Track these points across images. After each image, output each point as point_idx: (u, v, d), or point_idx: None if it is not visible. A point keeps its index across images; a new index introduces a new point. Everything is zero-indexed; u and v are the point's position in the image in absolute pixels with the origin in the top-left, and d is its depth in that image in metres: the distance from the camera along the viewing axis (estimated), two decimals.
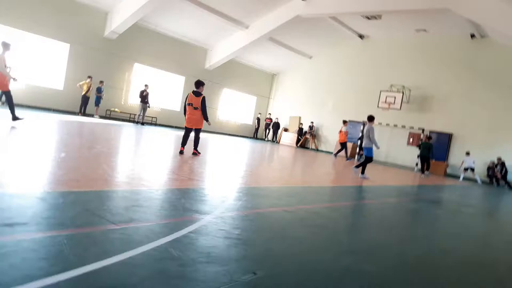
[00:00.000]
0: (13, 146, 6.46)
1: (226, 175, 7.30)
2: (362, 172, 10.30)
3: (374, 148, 10.31)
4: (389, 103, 20.64)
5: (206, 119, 9.24)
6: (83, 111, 17.50)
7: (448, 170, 19.62)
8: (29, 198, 3.50)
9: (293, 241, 3.60)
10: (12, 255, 2.27)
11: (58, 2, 16.93)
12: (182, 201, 4.38)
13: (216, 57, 23.04)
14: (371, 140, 10.19)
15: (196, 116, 9.14)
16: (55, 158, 5.87)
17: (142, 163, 6.94)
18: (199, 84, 9.20)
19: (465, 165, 17.65)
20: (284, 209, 4.87)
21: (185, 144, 9.27)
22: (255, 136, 27.08)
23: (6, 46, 9.15)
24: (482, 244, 4.97)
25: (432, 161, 18.66)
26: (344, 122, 19.51)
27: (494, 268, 3.87)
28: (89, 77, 17.50)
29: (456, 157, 19.56)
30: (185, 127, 9.36)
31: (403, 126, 20.82)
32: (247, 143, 19.39)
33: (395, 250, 3.88)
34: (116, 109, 19.48)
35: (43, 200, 3.52)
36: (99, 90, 18.00)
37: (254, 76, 26.80)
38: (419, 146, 17.28)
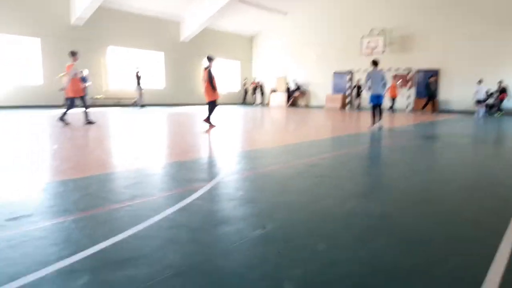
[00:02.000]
0: (6, 144, 6.37)
1: (222, 143, 7.30)
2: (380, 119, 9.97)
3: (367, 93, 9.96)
4: (372, 48, 20.46)
5: (214, 88, 9.32)
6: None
7: (441, 106, 19.76)
8: (30, 191, 3.49)
9: (297, 193, 3.64)
10: (22, 245, 2.28)
11: None
12: (182, 172, 4.39)
13: (190, 28, 22.43)
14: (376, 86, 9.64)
15: (206, 89, 9.38)
16: (48, 150, 5.81)
17: (136, 144, 6.90)
18: (208, 59, 9.46)
19: (478, 96, 16.11)
20: (283, 166, 4.90)
21: (208, 115, 9.50)
22: (244, 102, 26.89)
23: (74, 54, 9.82)
24: (481, 170, 5.07)
25: (419, 99, 18.94)
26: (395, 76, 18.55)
27: (495, 189, 3.96)
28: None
29: (446, 93, 19.64)
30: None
31: (389, 69, 20.72)
32: (237, 110, 19.26)
33: (398, 188, 3.95)
34: (100, 96, 19.15)
35: (44, 191, 3.51)
36: (83, 80, 17.60)
37: (232, 41, 26.26)
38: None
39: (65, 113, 9.77)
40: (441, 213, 3.04)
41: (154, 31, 21.41)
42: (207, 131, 8.91)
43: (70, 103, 9.89)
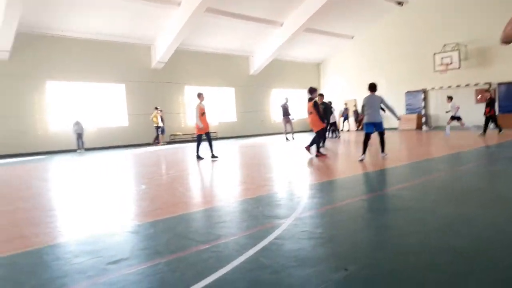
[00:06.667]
0: (103, 185, 7.05)
1: (296, 174, 7.36)
2: (383, 150, 9.01)
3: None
4: (446, 64, 19.49)
5: (322, 120, 9.81)
6: (160, 140, 18.64)
7: None
8: (125, 233, 3.84)
9: (377, 229, 3.57)
10: None
11: (106, 48, 18.18)
12: (260, 209, 4.52)
13: (258, 61, 23.29)
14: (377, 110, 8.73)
15: (311, 120, 9.86)
16: (137, 190, 6.32)
17: (216, 178, 7.23)
18: (311, 91, 9.86)
19: None
20: (361, 198, 4.83)
21: (317, 147, 9.96)
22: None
23: (200, 96, 10.56)
24: None
25: (503, 115, 17.36)
26: None
27: None
28: (156, 108, 18.60)
29: None
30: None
31: (467, 85, 19.51)
32: (308, 137, 19.25)
33: (485, 220, 3.69)
34: (179, 133, 20.43)
35: (137, 233, 3.83)
36: (160, 118, 19.08)
37: (299, 70, 26.65)
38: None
39: (198, 148, 10.63)
40: None
41: (225, 67, 22.58)
42: (321, 158, 9.49)
43: (208, 138, 10.61)
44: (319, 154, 9.79)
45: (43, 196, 6.37)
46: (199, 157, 10.60)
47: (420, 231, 3.42)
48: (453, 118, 14.95)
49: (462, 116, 14.99)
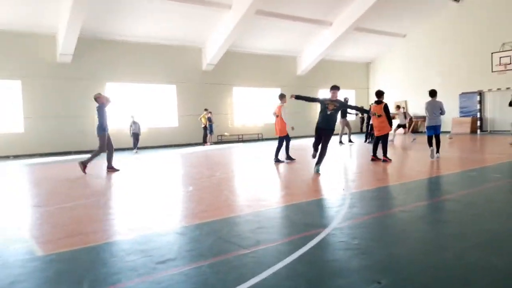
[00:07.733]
0: (155, 185, 7.51)
1: (338, 181, 7.41)
2: (437, 151, 9.87)
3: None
4: (505, 64, 18.42)
5: (390, 123, 9.81)
6: (208, 140, 19.25)
7: None
8: (173, 234, 4.14)
9: (414, 243, 3.60)
10: None
11: (159, 51, 19.00)
12: (300, 216, 4.67)
13: (306, 61, 23.23)
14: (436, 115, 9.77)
15: (380, 123, 9.82)
16: (186, 191, 6.68)
17: (261, 182, 7.45)
18: (379, 94, 10.04)
19: None
20: (401, 209, 4.83)
21: (375, 151, 9.98)
22: (362, 129, 26.37)
23: (283, 97, 10.96)
24: None
25: None
26: None
27: None
28: (205, 109, 19.20)
29: None
30: (375, 136, 10.12)
31: None
32: (354, 139, 18.99)
33: None
34: (226, 133, 20.93)
35: (183, 235, 4.13)
36: (209, 119, 19.65)
37: (348, 70, 26.24)
38: None
39: (277, 151, 10.44)
40: None
41: (272, 68, 22.75)
42: (387, 162, 9.47)
43: (279, 141, 10.60)
44: (386, 158, 9.59)
45: (102, 194, 6.91)
46: (290, 158, 10.42)
47: (457, 245, 3.42)
48: (399, 126, 16.65)
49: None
